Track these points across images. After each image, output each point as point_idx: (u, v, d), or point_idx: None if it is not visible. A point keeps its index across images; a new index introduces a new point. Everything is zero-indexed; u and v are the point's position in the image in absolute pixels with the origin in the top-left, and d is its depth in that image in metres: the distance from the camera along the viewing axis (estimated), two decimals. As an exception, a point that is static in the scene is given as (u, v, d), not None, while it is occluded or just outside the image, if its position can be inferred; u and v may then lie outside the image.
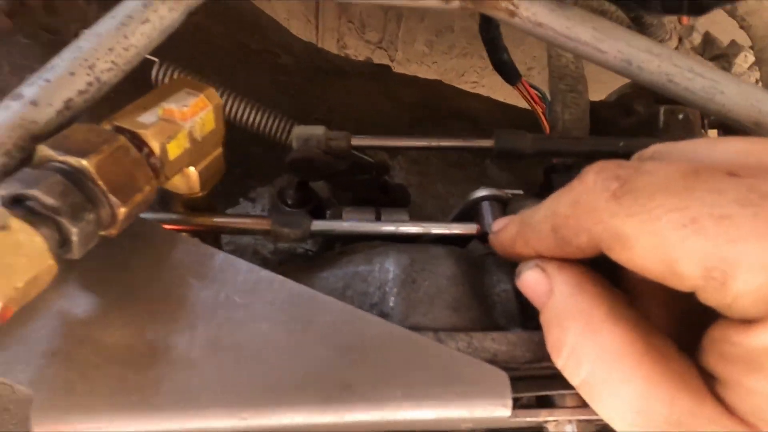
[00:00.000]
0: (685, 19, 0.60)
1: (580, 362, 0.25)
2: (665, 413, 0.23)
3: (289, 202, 0.49)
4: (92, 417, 0.27)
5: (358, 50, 1.27)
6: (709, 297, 0.22)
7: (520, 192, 0.41)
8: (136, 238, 0.32)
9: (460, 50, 1.21)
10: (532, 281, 0.29)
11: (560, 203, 0.26)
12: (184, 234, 0.33)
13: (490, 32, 0.54)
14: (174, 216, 0.36)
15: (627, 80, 0.78)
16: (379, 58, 1.27)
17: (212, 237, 0.42)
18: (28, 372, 0.28)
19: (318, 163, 0.43)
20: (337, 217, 0.43)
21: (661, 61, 0.35)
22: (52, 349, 0.28)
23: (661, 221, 0.21)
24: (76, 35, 0.45)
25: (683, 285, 0.22)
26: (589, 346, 0.25)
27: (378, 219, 0.43)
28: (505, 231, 0.31)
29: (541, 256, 0.29)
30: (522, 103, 0.81)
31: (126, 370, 0.28)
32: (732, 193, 0.20)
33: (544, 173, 0.55)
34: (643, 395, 0.23)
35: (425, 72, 1.25)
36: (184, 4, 0.32)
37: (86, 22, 0.45)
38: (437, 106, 0.67)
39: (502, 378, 0.30)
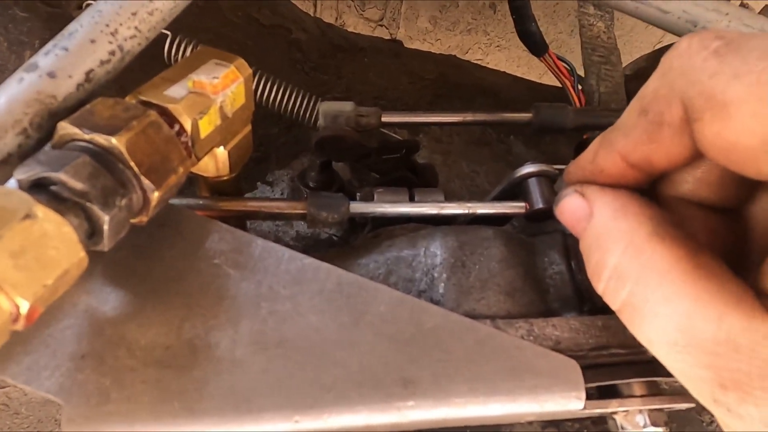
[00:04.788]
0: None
1: (622, 283, 0.23)
2: (712, 330, 0.20)
3: (311, 184, 0.46)
4: (130, 426, 0.24)
5: (357, 28, 1.23)
6: None
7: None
8: (165, 225, 0.29)
9: (464, 26, 1.17)
10: (570, 207, 0.27)
11: (647, 83, 0.23)
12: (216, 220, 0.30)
13: (517, 0, 0.50)
14: (200, 201, 0.33)
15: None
16: (380, 36, 1.23)
17: (237, 224, 0.39)
18: (56, 378, 0.25)
19: (348, 142, 0.40)
20: (369, 199, 0.40)
21: (731, 20, 0.32)
22: (81, 351, 0.25)
23: None
24: (79, 8, 0.41)
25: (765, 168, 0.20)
26: (631, 265, 0.23)
27: (412, 200, 0.40)
28: (583, 155, 0.27)
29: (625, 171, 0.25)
30: (543, 79, 0.78)
31: (165, 372, 0.25)
32: None
33: (576, 149, 0.52)
34: (687, 313, 0.21)
35: (428, 50, 1.22)
36: (211, -37, 0.28)
37: (90, -7, 0.41)
38: (457, 81, 0.64)
39: (573, 368, 0.28)
